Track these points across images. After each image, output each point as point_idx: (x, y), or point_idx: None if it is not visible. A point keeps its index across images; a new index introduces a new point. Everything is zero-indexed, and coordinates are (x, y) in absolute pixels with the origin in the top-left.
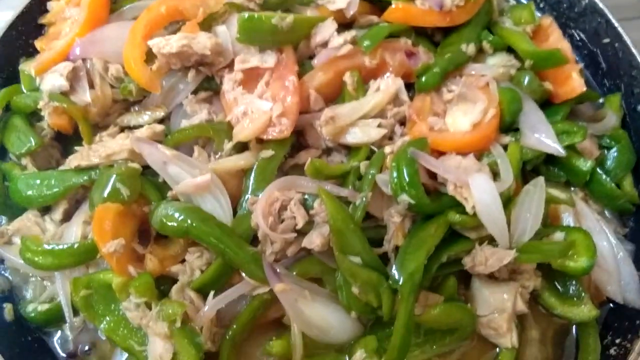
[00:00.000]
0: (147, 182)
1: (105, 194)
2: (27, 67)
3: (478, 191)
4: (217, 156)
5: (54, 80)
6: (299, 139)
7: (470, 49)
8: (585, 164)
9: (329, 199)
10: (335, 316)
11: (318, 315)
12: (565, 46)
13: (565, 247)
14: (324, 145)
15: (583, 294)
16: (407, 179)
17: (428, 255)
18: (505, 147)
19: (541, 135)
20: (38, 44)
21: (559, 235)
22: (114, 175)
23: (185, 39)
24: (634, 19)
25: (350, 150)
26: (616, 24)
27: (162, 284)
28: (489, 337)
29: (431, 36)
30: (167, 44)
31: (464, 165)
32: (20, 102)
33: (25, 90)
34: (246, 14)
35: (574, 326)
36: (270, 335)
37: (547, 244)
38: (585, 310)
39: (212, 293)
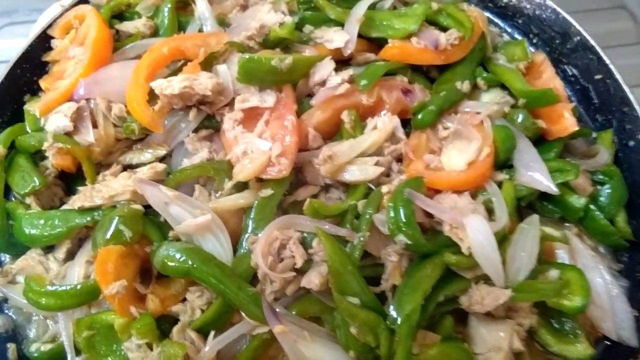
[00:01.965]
0: (149, 222)
1: (108, 236)
2: (32, 108)
3: (473, 232)
4: (217, 194)
5: (58, 121)
6: (297, 176)
7: (465, 86)
8: (579, 201)
9: (327, 240)
10: (334, 356)
11: (317, 355)
12: (558, 84)
13: (560, 287)
14: (322, 182)
15: (579, 332)
16: (403, 220)
17: (425, 296)
18: (499, 184)
19: (535, 174)
20: (42, 83)
21: (553, 273)
22: (117, 217)
23: (187, 81)
24: (618, 46)
25: (348, 186)
26: (607, 61)
27: (163, 324)
28: None
29: (426, 72)
30: (169, 86)
31: (459, 206)
32: (25, 142)
33: (29, 130)
34: (246, 55)
35: None
36: None
37: (542, 283)
38: (581, 349)
39: (212, 333)
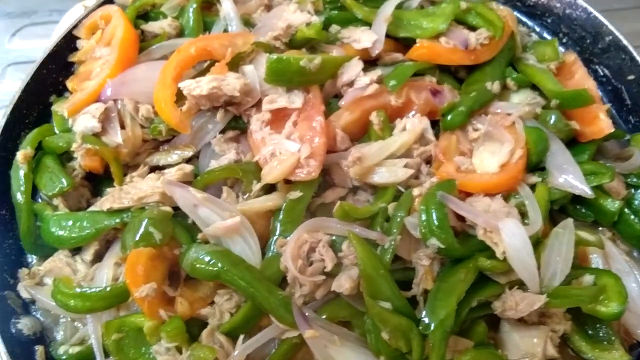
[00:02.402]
0: (178, 224)
1: (138, 238)
2: (60, 108)
3: (508, 236)
4: (245, 196)
5: (86, 121)
6: (325, 178)
7: (495, 86)
8: (613, 205)
9: (359, 244)
10: None
11: None
12: (591, 85)
13: (596, 293)
14: (350, 184)
15: (614, 338)
16: (436, 223)
17: (458, 301)
18: (532, 187)
19: (569, 176)
20: (69, 84)
21: (588, 278)
22: (146, 219)
23: (215, 81)
24: None
25: (376, 188)
26: None
27: (191, 327)
28: None
29: (455, 73)
30: (197, 86)
31: (492, 209)
32: (53, 143)
33: (57, 131)
34: (274, 56)
35: None
36: None
37: (577, 288)
38: (617, 356)
39: (241, 337)
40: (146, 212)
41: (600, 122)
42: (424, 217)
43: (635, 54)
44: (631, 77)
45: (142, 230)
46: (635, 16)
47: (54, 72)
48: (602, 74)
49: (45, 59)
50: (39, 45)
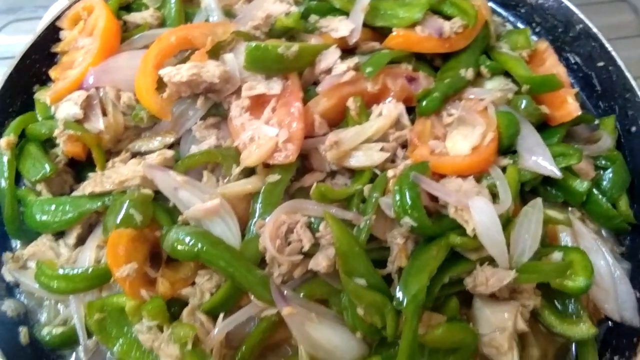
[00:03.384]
0: (159, 207)
1: (119, 220)
2: (42, 96)
3: (478, 214)
4: (225, 180)
5: (69, 108)
6: (303, 163)
7: (469, 73)
8: (581, 185)
9: (334, 223)
10: (341, 337)
11: (324, 337)
12: (561, 70)
13: (563, 267)
14: (328, 169)
15: (582, 312)
16: (409, 202)
17: (431, 277)
18: (503, 169)
19: (538, 158)
20: (52, 73)
21: (557, 255)
22: (127, 202)
23: (195, 68)
24: (620, 38)
25: (353, 173)
26: (609, 48)
27: (173, 306)
28: (490, 356)
29: (431, 61)
30: (177, 73)
31: (464, 189)
32: (36, 130)
33: (40, 118)
34: (253, 44)
35: (573, 344)
36: (279, 356)
37: (545, 264)
38: (584, 329)
39: (221, 315)
40: (127, 194)
41: (568, 105)
42: (397, 197)
43: (604, 41)
44: (601, 63)
45: (123, 212)
46: (605, 10)
47: (38, 62)
48: (573, 61)
49: (29, 50)
50: (25, 41)
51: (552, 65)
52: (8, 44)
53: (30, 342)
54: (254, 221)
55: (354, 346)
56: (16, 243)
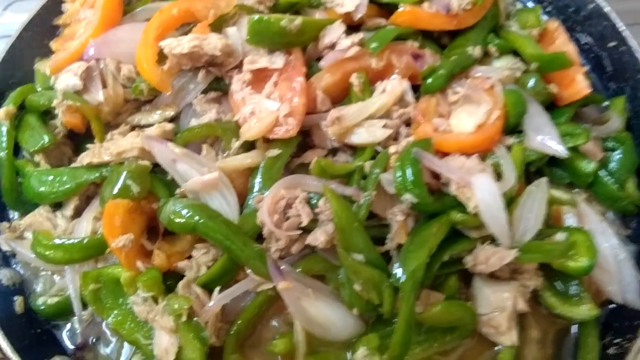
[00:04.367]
0: (156, 179)
1: (116, 191)
2: (42, 67)
3: (480, 191)
4: (224, 155)
5: (68, 79)
6: (305, 139)
7: (476, 51)
8: (588, 166)
9: (333, 198)
10: (338, 314)
11: (320, 313)
12: (571, 49)
13: (566, 248)
14: (330, 145)
15: (583, 294)
16: (410, 179)
17: (430, 254)
18: (509, 149)
19: (545, 137)
20: (53, 44)
21: (560, 236)
22: (125, 172)
23: (196, 40)
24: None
25: (355, 150)
26: (621, 28)
27: (169, 280)
28: (489, 336)
29: (438, 39)
30: (178, 45)
31: (467, 166)
32: (35, 100)
33: (39, 89)
34: (256, 16)
35: (573, 327)
36: (274, 331)
37: (548, 244)
38: (586, 310)
39: (217, 289)
40: (125, 165)
41: (577, 83)
42: (398, 173)
43: (615, 20)
44: (612, 43)
45: (120, 183)
46: None
47: (39, 34)
48: (584, 41)
49: (30, 22)
50: None
51: (562, 43)
52: (14, 22)
53: (25, 312)
54: (252, 196)
55: (350, 323)
56: (14, 214)
